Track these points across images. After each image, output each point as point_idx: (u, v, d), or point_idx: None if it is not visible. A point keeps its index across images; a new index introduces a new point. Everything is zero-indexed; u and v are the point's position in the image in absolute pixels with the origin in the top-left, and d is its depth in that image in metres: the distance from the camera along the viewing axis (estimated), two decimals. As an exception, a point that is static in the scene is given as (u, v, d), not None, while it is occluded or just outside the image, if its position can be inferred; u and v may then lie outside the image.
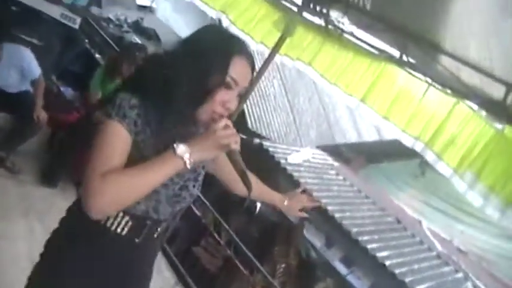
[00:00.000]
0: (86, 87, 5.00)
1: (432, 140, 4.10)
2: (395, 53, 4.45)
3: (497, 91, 3.61)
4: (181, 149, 1.40)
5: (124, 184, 1.36)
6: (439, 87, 4.11)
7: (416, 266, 5.86)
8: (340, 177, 7.75)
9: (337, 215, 5.83)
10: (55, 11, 5.63)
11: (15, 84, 4.44)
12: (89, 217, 1.38)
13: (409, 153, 9.05)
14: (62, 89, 5.42)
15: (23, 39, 4.97)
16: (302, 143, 10.79)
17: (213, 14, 6.03)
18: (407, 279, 5.40)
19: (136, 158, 1.44)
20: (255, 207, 6.43)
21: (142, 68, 1.62)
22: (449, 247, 7.41)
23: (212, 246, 6.41)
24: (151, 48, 5.40)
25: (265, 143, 7.47)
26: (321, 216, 6.00)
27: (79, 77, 5.66)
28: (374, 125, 12.38)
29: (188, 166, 1.42)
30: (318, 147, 9.33)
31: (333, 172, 7.85)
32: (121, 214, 1.55)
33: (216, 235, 5.28)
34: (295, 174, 6.42)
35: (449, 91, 4.05)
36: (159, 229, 1.66)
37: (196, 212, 4.93)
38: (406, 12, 3.98)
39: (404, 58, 4.36)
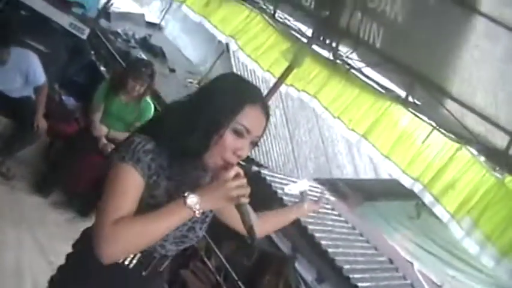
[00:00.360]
0: (88, 99, 4.98)
1: (431, 183, 4.08)
2: (402, 93, 4.47)
3: (500, 140, 3.60)
4: (191, 199, 1.41)
5: (135, 232, 1.39)
6: (443, 131, 4.11)
7: (406, 309, 5.82)
8: (336, 212, 7.72)
9: (330, 250, 5.79)
10: (64, 20, 5.63)
11: (18, 89, 4.43)
12: None
13: (405, 194, 9.01)
14: (63, 98, 5.39)
15: (30, 45, 4.96)
16: (299, 174, 10.79)
17: (222, 38, 6.08)
18: (396, 323, 5.36)
19: (147, 199, 1.48)
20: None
21: (160, 114, 1.69)
22: (439, 292, 7.38)
23: (201, 271, 6.31)
24: (157, 66, 5.40)
25: (263, 171, 7.45)
26: (313, 250, 5.96)
27: (82, 88, 5.64)
28: (372, 163, 12.40)
29: (197, 215, 1.44)
30: (315, 179, 9.31)
31: (328, 206, 7.82)
32: None
33: (206, 260, 5.22)
34: (291, 205, 6.40)
35: (452, 136, 4.05)
36: (165, 263, 1.70)
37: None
38: (416, 53, 4.01)
39: (410, 99, 4.37)
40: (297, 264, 6.29)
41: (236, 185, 1.43)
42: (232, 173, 1.44)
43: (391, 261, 7.00)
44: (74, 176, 4.59)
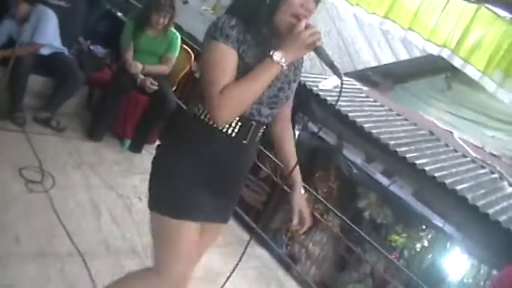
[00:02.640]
0: (113, 45, 5.22)
1: (458, 46, 4.24)
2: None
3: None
4: (276, 55, 1.70)
5: (239, 94, 1.71)
6: (460, -5, 4.23)
7: (454, 170, 6.02)
8: (371, 99, 7.88)
9: (373, 131, 5.95)
10: (76, -26, 5.65)
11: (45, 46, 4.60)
12: (204, 121, 1.84)
13: (432, 70, 9.17)
14: (92, 47, 5.53)
15: (50, 3, 5.04)
16: (327, 75, 10.89)
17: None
18: (447, 181, 5.60)
19: (242, 67, 1.76)
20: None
21: None
22: (482, 153, 7.55)
23: (254, 183, 6.64)
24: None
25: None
26: (358, 134, 6.15)
27: (105, 36, 5.76)
28: (394, 54, 12.31)
29: (285, 67, 1.73)
30: (345, 74, 9.42)
31: (363, 95, 7.99)
32: None
33: (260, 164, 5.45)
34: (329, 98, 6.57)
35: (470, -2, 4.18)
36: (260, 131, 1.98)
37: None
38: None
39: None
40: (344, 151, 6.56)
41: (309, 33, 1.70)
42: (303, 23, 1.71)
43: (431, 133, 7.17)
44: (119, 116, 4.88)
